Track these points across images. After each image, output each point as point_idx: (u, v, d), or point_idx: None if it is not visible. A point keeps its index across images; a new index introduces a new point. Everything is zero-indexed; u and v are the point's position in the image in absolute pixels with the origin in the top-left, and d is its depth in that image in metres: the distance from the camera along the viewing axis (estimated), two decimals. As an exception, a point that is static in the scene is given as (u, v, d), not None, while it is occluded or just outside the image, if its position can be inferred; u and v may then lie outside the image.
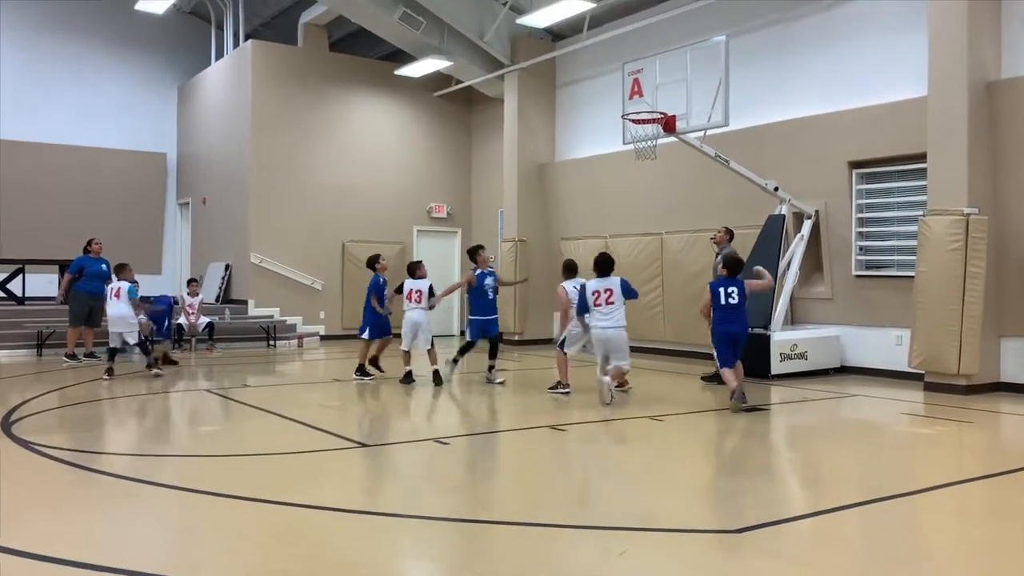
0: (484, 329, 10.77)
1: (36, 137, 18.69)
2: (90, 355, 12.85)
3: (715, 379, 10.24)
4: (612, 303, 8.87)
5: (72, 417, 8.58)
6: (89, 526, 4.79)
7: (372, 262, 11.30)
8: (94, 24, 19.50)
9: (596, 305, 8.92)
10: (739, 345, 8.98)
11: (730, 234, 10.99)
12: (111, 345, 11.08)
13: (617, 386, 9.32)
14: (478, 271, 10.84)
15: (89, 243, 13.12)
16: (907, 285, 10.53)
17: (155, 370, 11.34)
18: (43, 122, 18.79)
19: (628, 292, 8.99)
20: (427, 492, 5.69)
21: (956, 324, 9.64)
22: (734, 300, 8.87)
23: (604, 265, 9.05)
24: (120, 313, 10.95)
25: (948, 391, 9.71)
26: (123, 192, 19.76)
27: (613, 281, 8.97)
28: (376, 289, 10.97)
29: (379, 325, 11.06)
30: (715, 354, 9.18)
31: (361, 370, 11.02)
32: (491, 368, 10.80)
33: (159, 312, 12.47)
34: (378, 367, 11.20)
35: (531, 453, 7.09)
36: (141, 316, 11.54)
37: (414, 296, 10.63)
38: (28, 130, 18.58)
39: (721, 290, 8.94)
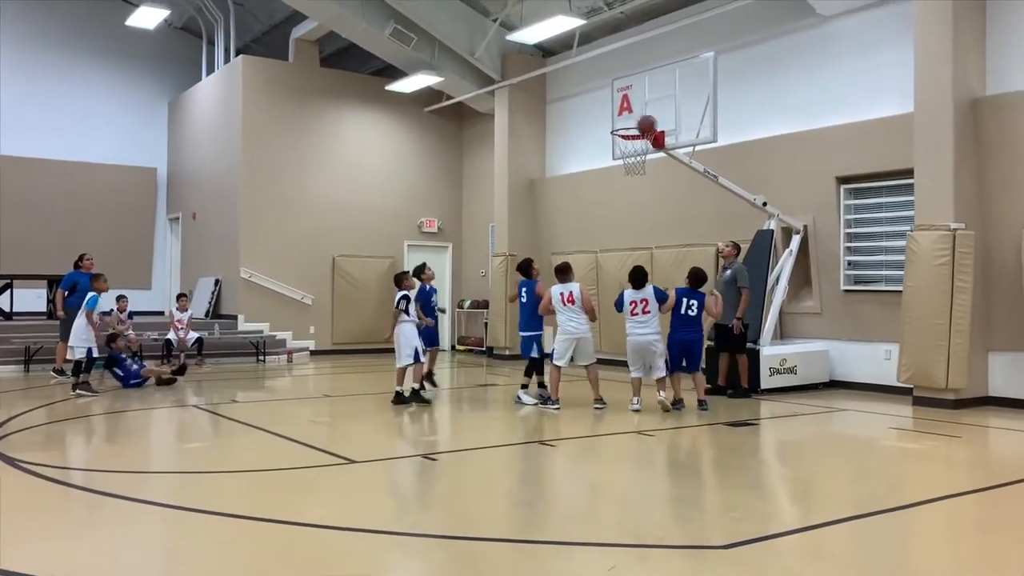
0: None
1: (26, 151, 18.65)
2: (61, 371, 12.71)
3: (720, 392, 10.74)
4: (648, 312, 9.48)
5: (58, 434, 8.52)
6: (74, 544, 4.75)
7: (418, 272, 11.03)
8: (85, 39, 19.52)
9: (633, 315, 9.51)
10: (693, 355, 9.70)
11: (737, 248, 11.18)
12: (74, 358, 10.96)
13: (674, 402, 9.65)
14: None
15: (80, 258, 13.05)
16: (895, 300, 10.59)
17: (78, 390, 10.74)
18: (33, 137, 18.76)
19: (660, 297, 9.60)
20: (416, 508, 5.67)
21: (944, 338, 9.68)
22: (693, 312, 9.63)
23: (638, 278, 9.56)
24: (75, 325, 10.85)
25: (937, 405, 9.74)
26: (113, 207, 19.72)
27: (647, 292, 9.54)
28: (425, 299, 10.81)
29: (428, 336, 10.85)
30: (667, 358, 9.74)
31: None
32: (540, 384, 10.56)
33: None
34: (432, 382, 10.92)
35: (520, 469, 7.07)
36: (129, 332, 11.46)
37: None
38: (18, 144, 18.55)
39: (684, 300, 9.65)
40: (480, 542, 4.79)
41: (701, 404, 9.67)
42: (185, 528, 5.10)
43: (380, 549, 4.75)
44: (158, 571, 4.38)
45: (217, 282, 17.63)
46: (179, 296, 15.45)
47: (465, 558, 4.55)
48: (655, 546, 4.74)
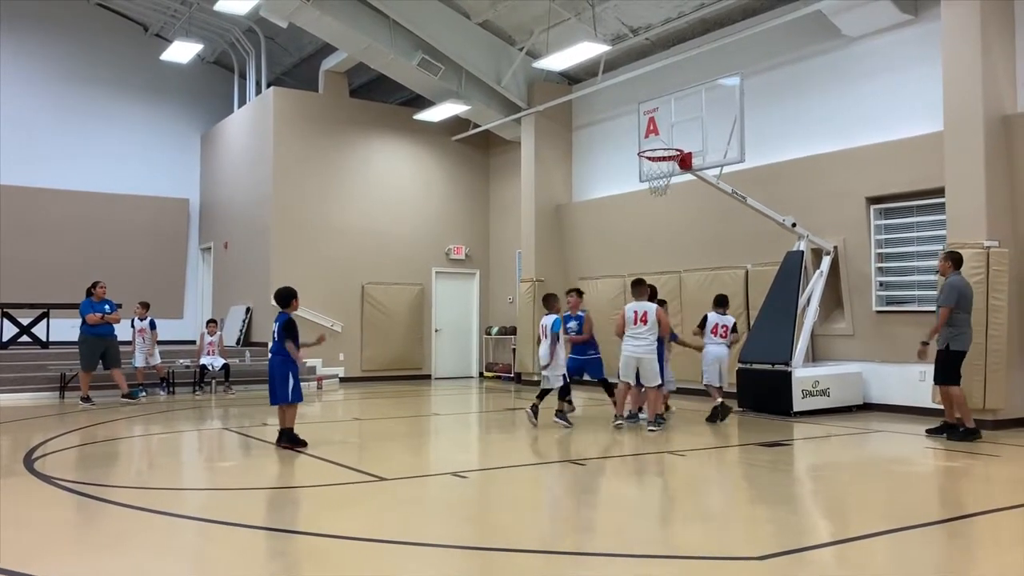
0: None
1: (63, 184, 19.09)
2: (129, 395, 12.96)
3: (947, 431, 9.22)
4: (646, 323, 9.48)
5: (93, 454, 8.62)
6: (110, 557, 4.79)
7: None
8: (121, 74, 20.00)
9: (634, 325, 9.55)
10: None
11: (954, 263, 9.28)
12: None
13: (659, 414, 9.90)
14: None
15: (93, 286, 13.20)
16: (929, 320, 10.40)
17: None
18: (71, 169, 19.21)
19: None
20: (446, 522, 5.65)
21: (980, 358, 9.52)
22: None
23: (638, 288, 9.76)
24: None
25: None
26: (147, 237, 20.06)
27: (649, 306, 9.59)
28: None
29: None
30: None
31: (562, 414, 10.04)
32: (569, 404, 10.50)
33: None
34: (571, 403, 10.56)
35: (551, 486, 7.03)
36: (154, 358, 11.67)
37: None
38: (55, 177, 19.01)
39: (633, 313, 9.65)
40: (512, 553, 4.76)
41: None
42: (216, 540, 5.12)
43: (409, 559, 4.74)
44: (191, 580, 4.40)
45: (248, 310, 17.81)
46: (209, 321, 15.64)
47: (497, 568, 4.52)
48: (687, 557, 4.69)
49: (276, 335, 8.45)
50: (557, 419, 9.93)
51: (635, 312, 9.65)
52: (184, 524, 5.51)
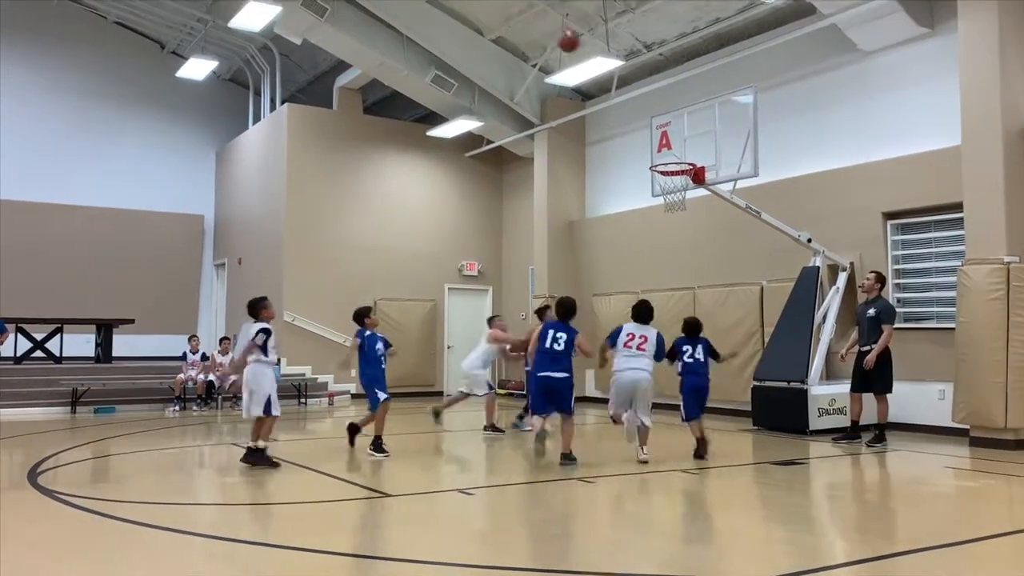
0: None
1: (78, 200, 19.24)
2: None
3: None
4: (643, 350, 8.45)
5: (99, 469, 8.56)
6: (114, 573, 4.70)
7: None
8: (137, 91, 20.18)
9: (626, 347, 8.45)
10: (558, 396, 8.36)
11: (881, 281, 10.33)
12: None
13: (697, 451, 8.76)
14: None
15: None
16: (947, 338, 10.25)
17: None
18: (85, 185, 19.38)
19: (658, 351, 8.55)
20: (454, 540, 5.53)
21: (1001, 376, 9.32)
22: (559, 347, 8.33)
23: (642, 313, 8.66)
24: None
25: (995, 446, 9.33)
26: (161, 253, 20.15)
27: (650, 331, 8.54)
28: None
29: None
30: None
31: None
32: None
33: None
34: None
35: (559, 504, 6.89)
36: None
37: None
38: (71, 193, 19.18)
39: (550, 332, 8.39)
40: (519, 571, 4.63)
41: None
42: (217, 557, 5.02)
43: (412, 579, 4.63)
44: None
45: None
46: (221, 339, 15.62)
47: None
48: (698, 578, 4.55)
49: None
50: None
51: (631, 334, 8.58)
52: (185, 540, 5.41)
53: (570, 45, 10.18)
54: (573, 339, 8.39)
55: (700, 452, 8.73)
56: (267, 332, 8.16)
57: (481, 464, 9.51)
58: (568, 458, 8.15)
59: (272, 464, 7.96)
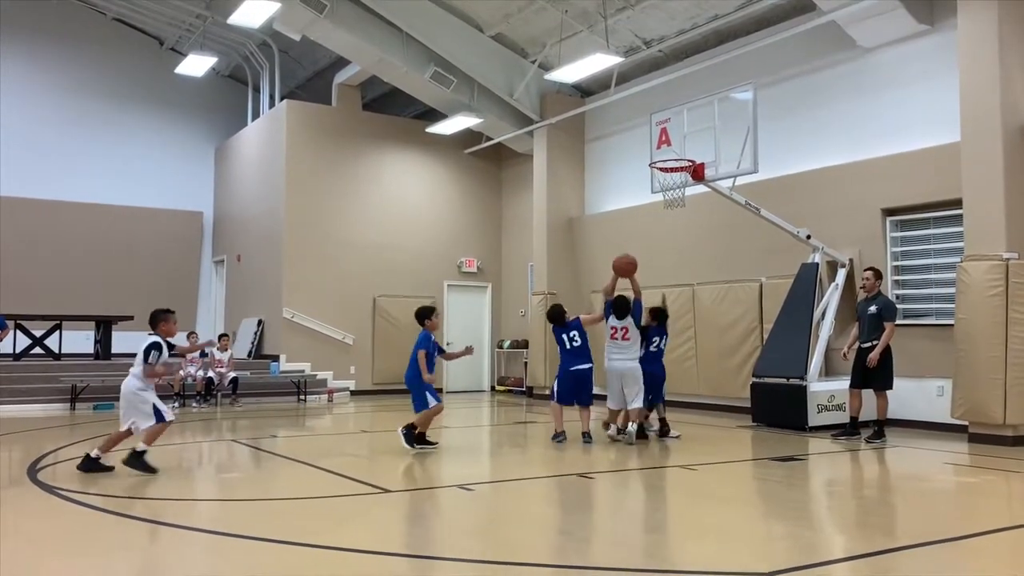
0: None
1: (78, 196, 19.23)
2: None
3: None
4: (628, 339, 9.42)
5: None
6: (112, 569, 4.70)
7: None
8: (136, 87, 20.17)
9: (612, 339, 9.46)
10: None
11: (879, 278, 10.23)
12: None
13: (661, 433, 9.93)
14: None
15: None
16: (946, 334, 10.26)
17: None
18: (84, 182, 19.38)
19: (636, 314, 9.49)
20: (452, 535, 5.53)
21: (1000, 372, 9.33)
22: (577, 343, 9.49)
23: (620, 308, 9.50)
24: None
25: (994, 443, 9.35)
26: (161, 250, 20.14)
27: (627, 321, 9.46)
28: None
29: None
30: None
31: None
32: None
33: None
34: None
35: (559, 499, 6.90)
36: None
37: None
38: (70, 189, 19.17)
39: (563, 336, 9.55)
40: (518, 567, 4.64)
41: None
42: (216, 552, 5.03)
43: (414, 572, 4.63)
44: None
45: (260, 323, 17.79)
46: (221, 336, 15.61)
47: (499, 583, 4.40)
48: (697, 572, 4.55)
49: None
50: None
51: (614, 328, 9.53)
52: (186, 535, 5.41)
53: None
54: (580, 328, 9.52)
55: (664, 431, 9.92)
56: (158, 348, 7.39)
57: (484, 462, 9.51)
58: (587, 437, 9.35)
59: (151, 469, 7.40)
